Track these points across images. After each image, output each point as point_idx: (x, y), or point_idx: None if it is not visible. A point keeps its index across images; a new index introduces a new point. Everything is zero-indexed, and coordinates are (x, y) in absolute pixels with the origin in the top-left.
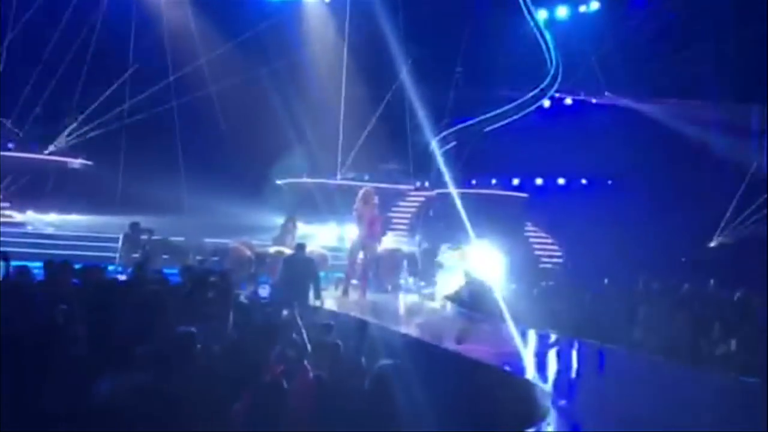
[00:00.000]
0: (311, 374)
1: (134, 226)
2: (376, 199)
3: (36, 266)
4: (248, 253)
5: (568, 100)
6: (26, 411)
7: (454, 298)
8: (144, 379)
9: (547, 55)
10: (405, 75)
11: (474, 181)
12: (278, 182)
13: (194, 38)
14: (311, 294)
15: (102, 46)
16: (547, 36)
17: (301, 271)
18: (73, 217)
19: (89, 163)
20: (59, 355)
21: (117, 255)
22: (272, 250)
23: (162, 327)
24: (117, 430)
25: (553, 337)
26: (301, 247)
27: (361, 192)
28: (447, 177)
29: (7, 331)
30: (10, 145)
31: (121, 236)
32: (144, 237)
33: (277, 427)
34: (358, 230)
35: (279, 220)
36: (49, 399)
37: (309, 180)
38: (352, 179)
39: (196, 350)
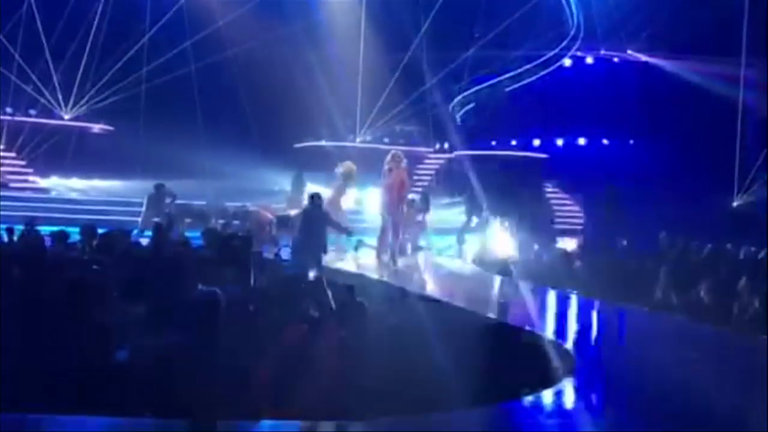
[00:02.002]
0: (336, 333)
1: (159, 187)
2: (405, 162)
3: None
4: (269, 216)
5: (589, 59)
6: (53, 372)
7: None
8: (170, 340)
9: (568, 13)
10: (423, 36)
11: (494, 143)
12: (296, 146)
13: (212, 1)
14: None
15: (120, 10)
16: None
17: (319, 221)
18: (96, 182)
19: (110, 128)
20: (89, 318)
21: (140, 218)
22: (293, 212)
23: (186, 289)
24: (141, 391)
25: (574, 298)
26: (316, 196)
27: (390, 154)
28: (466, 138)
29: (37, 294)
30: (32, 112)
31: (145, 198)
32: (167, 201)
33: (301, 387)
34: (387, 193)
35: (308, 187)
36: (76, 361)
37: (327, 143)
38: (371, 142)
39: (220, 311)
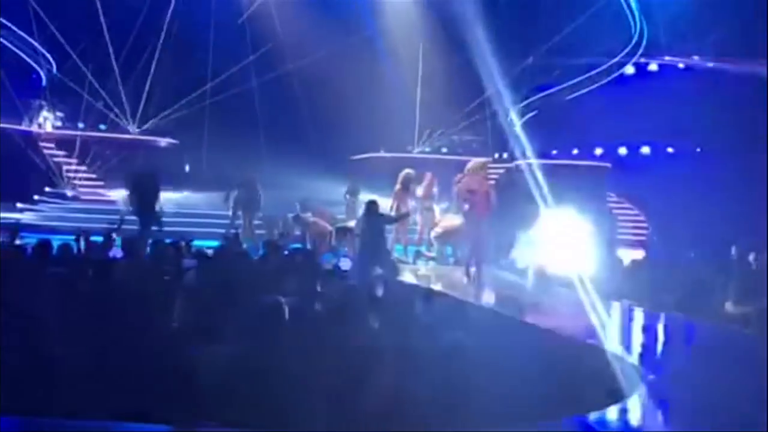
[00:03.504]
0: (394, 346)
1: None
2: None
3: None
4: (328, 227)
5: (653, 66)
6: (117, 380)
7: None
8: (231, 351)
9: (630, 20)
10: (483, 45)
11: (555, 152)
12: (355, 157)
13: (272, 16)
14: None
15: (185, 28)
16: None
17: (378, 228)
18: (162, 195)
19: (175, 141)
20: (154, 328)
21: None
22: (351, 223)
23: (246, 299)
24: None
25: (638, 311)
26: (372, 203)
27: (471, 162)
28: (527, 147)
29: (105, 302)
30: (102, 127)
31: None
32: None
33: (362, 402)
34: (467, 204)
35: (361, 196)
36: (140, 368)
37: (386, 154)
38: (429, 152)
39: (284, 321)
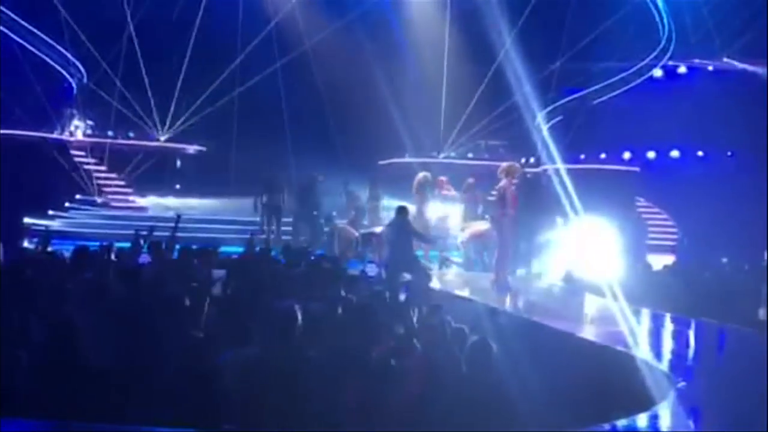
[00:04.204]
0: (420, 352)
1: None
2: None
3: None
4: (355, 233)
5: (682, 68)
6: (142, 383)
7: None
8: (252, 353)
9: (658, 22)
10: (509, 49)
11: (582, 156)
12: (381, 162)
13: (298, 23)
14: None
15: (213, 36)
16: (659, 1)
17: (406, 234)
18: (191, 200)
19: (203, 148)
20: (183, 333)
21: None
22: (378, 229)
23: (269, 303)
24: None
25: (669, 317)
26: (402, 209)
27: (504, 164)
28: (554, 152)
29: (136, 309)
30: (131, 134)
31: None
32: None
33: (385, 405)
34: (499, 207)
35: (385, 201)
36: (167, 371)
37: (412, 159)
38: (455, 157)
39: (297, 324)
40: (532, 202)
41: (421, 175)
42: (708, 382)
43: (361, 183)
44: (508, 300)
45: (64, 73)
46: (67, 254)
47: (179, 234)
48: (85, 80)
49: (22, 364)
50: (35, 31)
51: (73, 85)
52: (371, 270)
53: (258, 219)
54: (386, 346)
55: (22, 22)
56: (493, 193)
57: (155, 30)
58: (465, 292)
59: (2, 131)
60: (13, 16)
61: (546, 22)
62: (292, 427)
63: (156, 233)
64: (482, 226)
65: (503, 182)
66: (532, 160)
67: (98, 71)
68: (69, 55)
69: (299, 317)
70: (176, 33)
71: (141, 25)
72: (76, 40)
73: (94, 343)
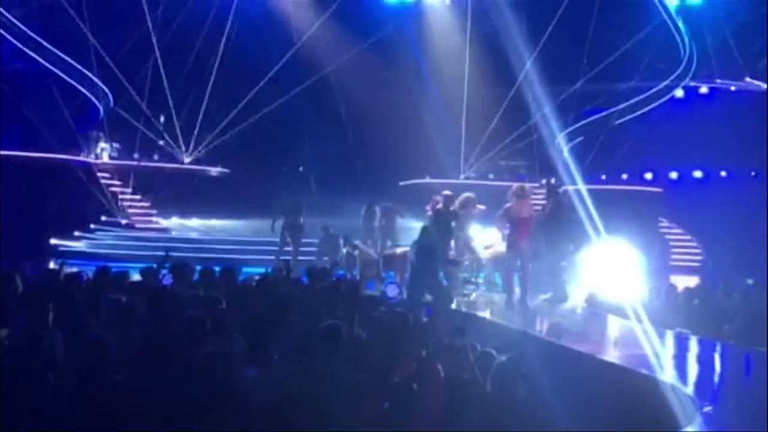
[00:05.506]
0: (442, 374)
1: (326, 229)
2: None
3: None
4: (375, 255)
5: (704, 89)
6: (168, 399)
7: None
8: (273, 372)
9: (680, 43)
10: (529, 70)
11: (604, 177)
12: (402, 183)
13: (319, 47)
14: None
15: (236, 58)
16: (679, 22)
17: (431, 255)
18: (214, 222)
19: (226, 170)
20: (205, 352)
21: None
22: (399, 250)
23: (295, 326)
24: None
25: (693, 339)
26: (426, 229)
27: (515, 186)
28: (575, 173)
29: (160, 329)
30: (156, 157)
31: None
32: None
33: (407, 427)
34: (511, 229)
35: (407, 221)
36: (193, 390)
37: (432, 180)
38: (476, 178)
39: (342, 341)
40: (557, 224)
41: (464, 195)
42: (734, 407)
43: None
44: (530, 322)
45: (92, 97)
46: (91, 275)
47: (203, 255)
48: (111, 104)
49: (48, 384)
50: (64, 56)
51: (100, 108)
52: (392, 291)
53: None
54: (408, 370)
55: (51, 48)
56: (504, 214)
57: (180, 55)
58: (486, 314)
59: (31, 154)
60: (42, 42)
61: (566, 43)
62: None
63: (174, 254)
64: (504, 247)
65: (512, 203)
66: (553, 180)
67: (125, 95)
68: (96, 80)
69: (342, 335)
70: (201, 58)
71: (167, 50)
72: (104, 66)
73: (120, 363)
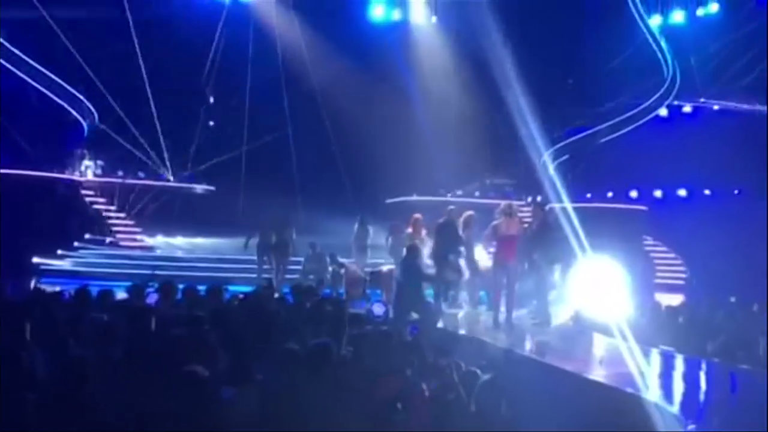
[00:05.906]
0: (426, 394)
1: (313, 246)
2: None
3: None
4: (361, 273)
5: (687, 108)
6: (149, 418)
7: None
8: (256, 391)
9: (663, 63)
10: (515, 89)
11: (589, 195)
12: (389, 201)
13: (306, 65)
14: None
15: (222, 77)
16: (662, 42)
17: (416, 275)
18: (199, 240)
19: (211, 188)
20: (189, 371)
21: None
22: (385, 268)
23: (276, 343)
24: None
25: (679, 357)
26: (413, 247)
27: (503, 204)
28: (560, 191)
29: (144, 348)
30: (141, 174)
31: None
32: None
33: None
34: (498, 247)
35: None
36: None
37: (419, 198)
38: (462, 196)
39: (330, 360)
40: (542, 242)
41: (467, 214)
42: (719, 425)
43: (370, 222)
44: (516, 340)
45: (76, 114)
46: (72, 293)
47: (188, 273)
48: (96, 121)
49: (28, 404)
50: (48, 74)
51: (85, 126)
52: (378, 309)
53: (265, 258)
54: (393, 388)
55: (36, 66)
56: (490, 232)
57: (167, 72)
58: (472, 332)
59: (14, 171)
60: (27, 59)
61: (552, 63)
62: None
63: (159, 272)
64: (490, 265)
65: (499, 220)
66: (539, 198)
67: (110, 113)
68: (81, 97)
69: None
70: (187, 75)
71: (153, 68)
72: (89, 83)
73: (101, 383)
